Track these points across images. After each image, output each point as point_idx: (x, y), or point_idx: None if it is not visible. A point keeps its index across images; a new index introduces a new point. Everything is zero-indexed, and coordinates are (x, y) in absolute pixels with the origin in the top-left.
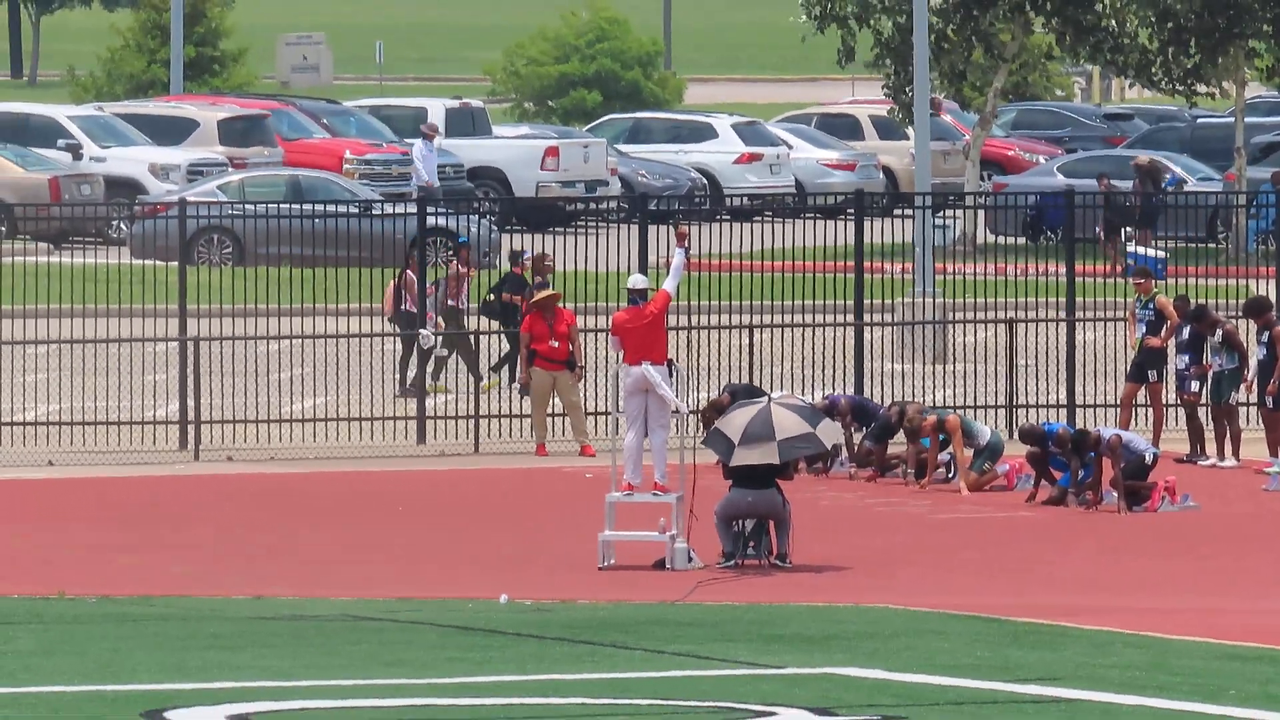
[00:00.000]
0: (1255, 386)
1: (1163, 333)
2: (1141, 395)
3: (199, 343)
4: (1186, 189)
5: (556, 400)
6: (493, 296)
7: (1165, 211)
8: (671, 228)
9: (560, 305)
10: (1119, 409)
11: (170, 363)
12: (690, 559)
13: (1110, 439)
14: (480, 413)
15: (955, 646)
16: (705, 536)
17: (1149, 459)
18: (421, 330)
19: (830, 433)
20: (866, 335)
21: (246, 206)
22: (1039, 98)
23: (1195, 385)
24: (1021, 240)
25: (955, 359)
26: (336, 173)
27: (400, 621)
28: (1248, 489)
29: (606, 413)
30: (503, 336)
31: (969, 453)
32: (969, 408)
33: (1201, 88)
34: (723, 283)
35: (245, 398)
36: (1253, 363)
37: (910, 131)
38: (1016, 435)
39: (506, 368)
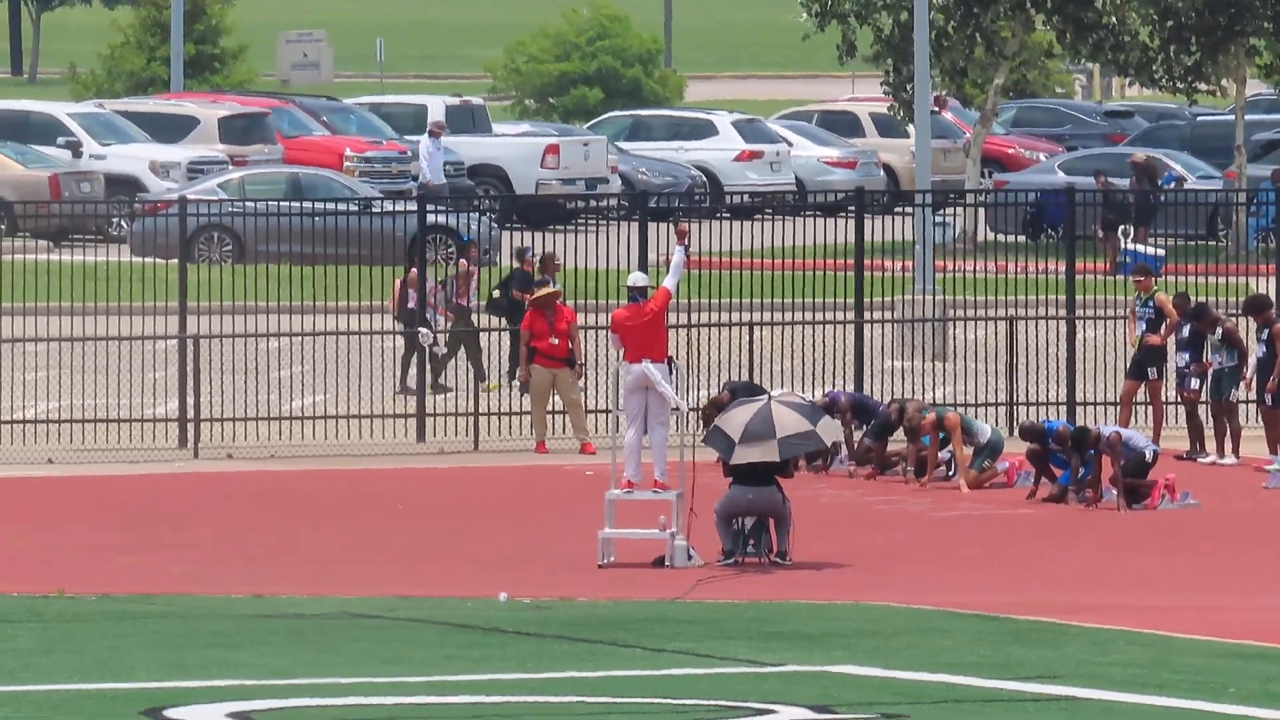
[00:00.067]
0: (1255, 384)
1: (1162, 330)
2: (1141, 393)
3: (199, 340)
4: (1187, 187)
5: (556, 398)
6: (498, 293)
7: (1163, 209)
8: (671, 225)
9: (560, 303)
10: (1119, 406)
11: (170, 360)
12: (690, 557)
13: (1110, 436)
14: (480, 410)
15: (956, 644)
16: (705, 534)
17: (1149, 456)
18: (420, 329)
19: (830, 430)
20: (866, 333)
21: (247, 204)
22: (1038, 95)
23: (1195, 383)
24: (1022, 238)
25: (955, 356)
26: (337, 170)
27: (399, 619)
28: (1247, 486)
29: (606, 410)
30: (508, 335)
31: (969, 450)
32: (969, 405)
33: (1202, 86)
34: (723, 280)
35: (245, 395)
36: (1252, 360)
37: (911, 129)
38: (1016, 433)
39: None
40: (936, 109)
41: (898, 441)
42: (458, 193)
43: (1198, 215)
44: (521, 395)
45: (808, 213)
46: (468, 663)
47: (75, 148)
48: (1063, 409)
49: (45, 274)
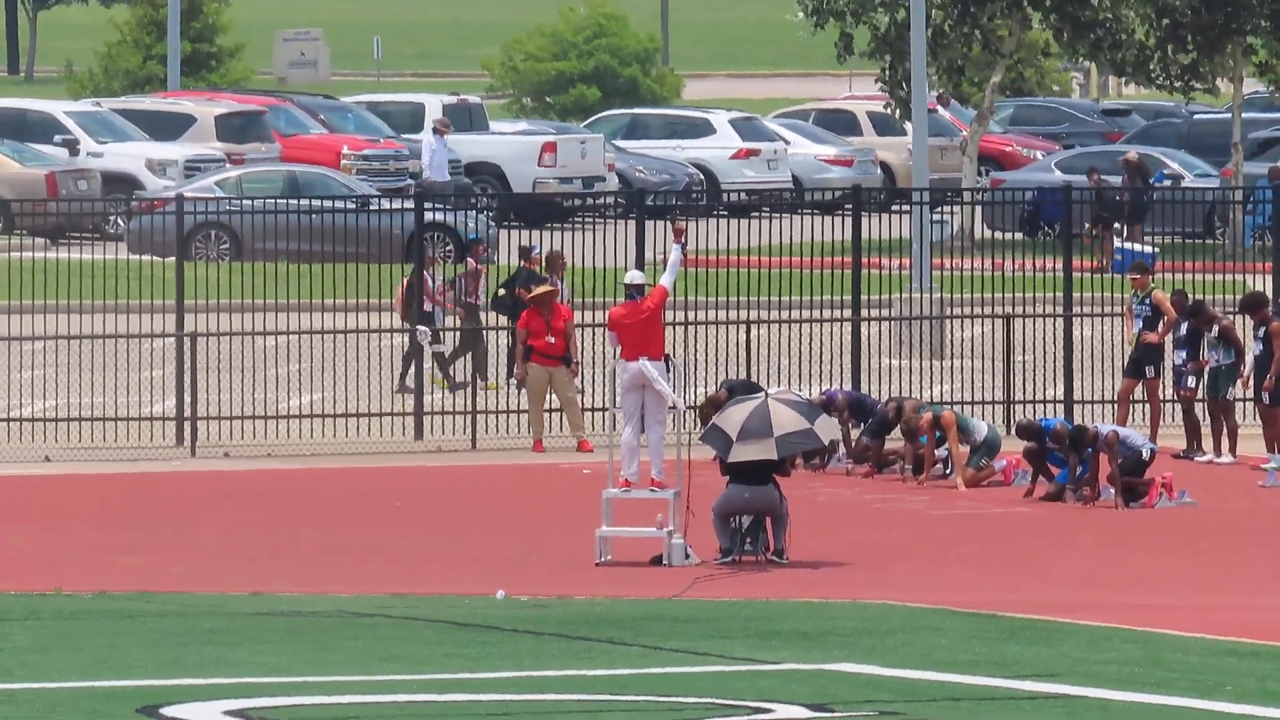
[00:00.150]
0: (1252, 382)
1: (1160, 328)
2: (1139, 391)
3: (196, 338)
4: (1184, 185)
5: (553, 396)
6: (503, 292)
7: (1159, 208)
8: (669, 223)
9: (558, 301)
10: (1116, 404)
11: (167, 358)
12: (687, 555)
13: (1107, 435)
14: (477, 408)
15: (952, 642)
16: (702, 532)
17: (1146, 455)
18: (419, 327)
19: (828, 428)
20: (864, 331)
21: (244, 202)
22: (1034, 94)
23: (1192, 381)
24: (1019, 236)
25: (952, 354)
26: (334, 168)
27: (396, 618)
28: (1244, 485)
29: (604, 408)
30: (512, 334)
31: (966, 449)
32: (966, 403)
33: (1198, 85)
34: (720, 278)
35: (242, 394)
36: (1249, 358)
37: (908, 127)
38: (1014, 431)
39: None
40: (940, 106)
41: (895, 440)
42: (454, 191)
43: (1195, 213)
44: (518, 392)
45: (805, 211)
46: (465, 661)
47: (72, 146)
48: (1060, 407)
49: (42, 272)
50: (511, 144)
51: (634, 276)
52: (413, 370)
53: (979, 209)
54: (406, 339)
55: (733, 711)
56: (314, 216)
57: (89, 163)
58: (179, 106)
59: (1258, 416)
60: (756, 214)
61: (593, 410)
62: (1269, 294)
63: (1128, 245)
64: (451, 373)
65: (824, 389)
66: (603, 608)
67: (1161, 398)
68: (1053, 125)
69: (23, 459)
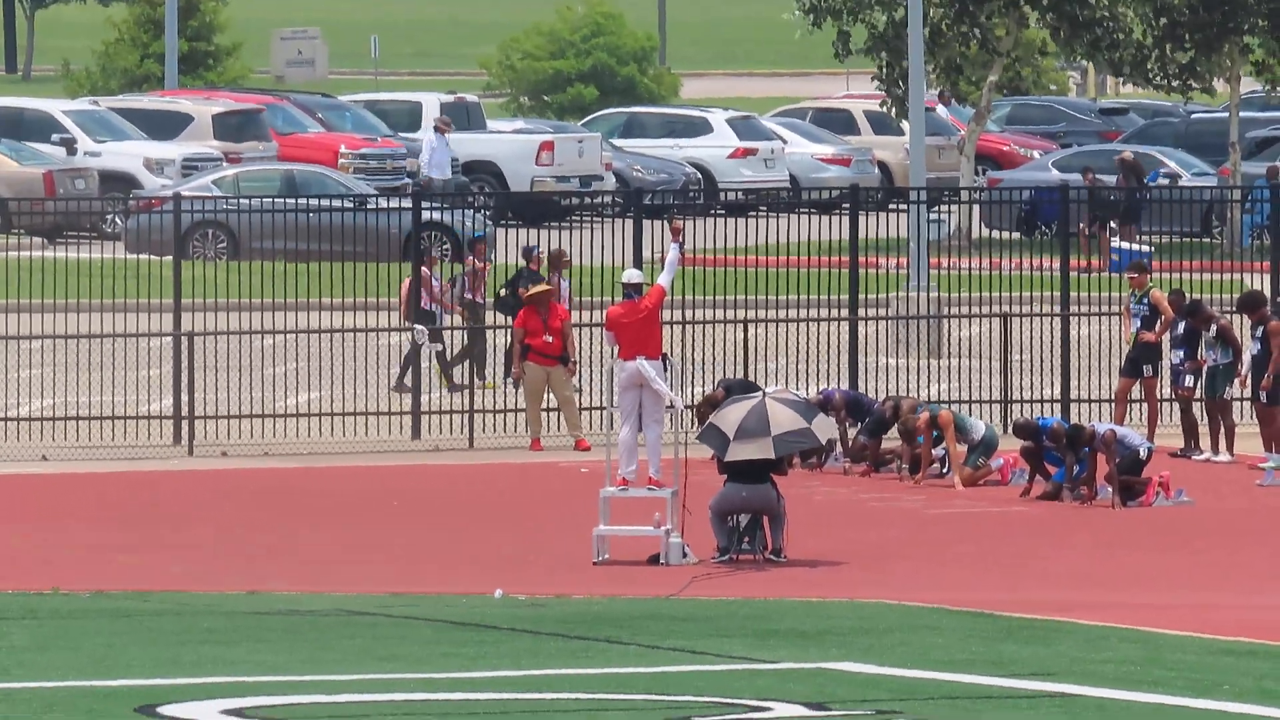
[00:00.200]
0: (1249, 381)
1: (1157, 327)
2: (1136, 390)
3: (193, 337)
4: (1181, 184)
5: (550, 395)
6: (505, 291)
7: (1154, 207)
8: (666, 223)
9: (555, 300)
10: (1113, 404)
11: (164, 357)
12: (685, 554)
13: (1105, 434)
14: (475, 408)
15: (949, 642)
16: (700, 532)
17: (1143, 454)
18: (416, 326)
19: (825, 428)
20: (861, 330)
21: (241, 201)
22: (1031, 93)
23: (1190, 380)
24: (1016, 235)
25: (950, 354)
26: (331, 167)
27: (394, 617)
28: (1242, 484)
29: (601, 408)
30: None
31: (963, 448)
32: (964, 402)
33: (1195, 84)
34: (717, 277)
35: (240, 393)
36: (1247, 357)
37: (905, 126)
38: (1011, 430)
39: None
40: (943, 105)
41: (892, 439)
42: (451, 190)
43: (1193, 212)
44: (515, 391)
45: (802, 210)
46: (463, 660)
47: (70, 145)
48: (1057, 406)
49: (40, 271)
50: (509, 143)
51: (631, 275)
52: (410, 369)
53: (976, 208)
54: (408, 339)
55: (731, 710)
56: (311, 215)
57: (86, 162)
58: (176, 105)
59: (1255, 415)
60: (754, 213)
61: (590, 409)
62: (1267, 293)
63: (1124, 245)
64: (453, 373)
65: (821, 388)
66: (600, 607)
67: (1159, 397)
68: (1050, 124)
69: (20, 458)
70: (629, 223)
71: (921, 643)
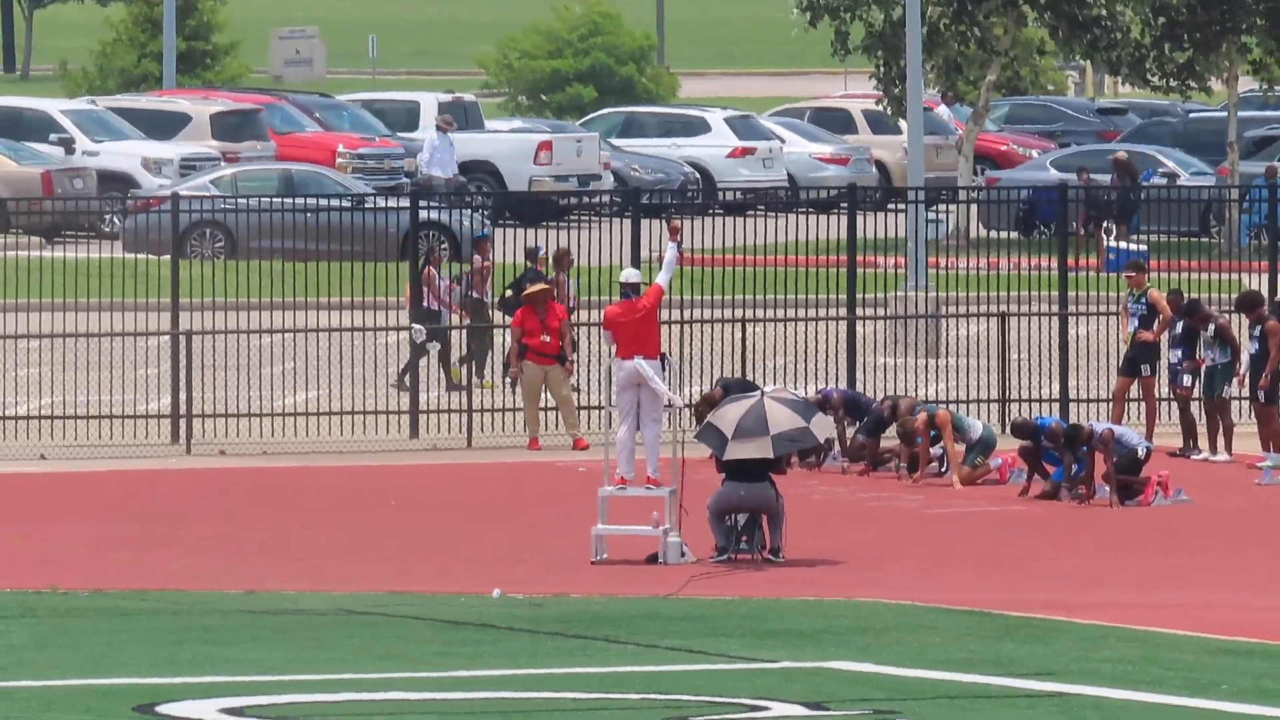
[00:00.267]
0: (1247, 380)
1: (1155, 327)
2: (1134, 389)
3: (191, 336)
4: (1179, 183)
5: (548, 394)
6: (510, 292)
7: (1149, 206)
8: (664, 222)
9: (554, 299)
10: (1111, 403)
11: (162, 356)
12: (683, 553)
13: (1102, 433)
14: (473, 407)
15: (947, 641)
16: (698, 531)
17: (1141, 453)
18: (414, 325)
19: (823, 427)
20: (859, 329)
21: (239, 201)
22: (1029, 92)
23: (1188, 380)
24: (1014, 235)
25: (948, 353)
26: (329, 167)
27: (392, 616)
28: (1240, 483)
29: (599, 407)
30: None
31: (961, 447)
32: (962, 402)
33: (1194, 84)
34: (715, 277)
35: (238, 391)
36: (1245, 357)
37: (903, 125)
38: (1009, 429)
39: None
40: (945, 105)
41: (890, 438)
42: (452, 189)
43: (1190, 212)
44: (513, 390)
45: (800, 209)
46: (460, 659)
47: (68, 144)
48: (1055, 406)
49: (38, 271)
50: (507, 142)
51: (629, 275)
52: (398, 378)
53: (974, 207)
54: (406, 338)
55: (728, 709)
56: (309, 215)
57: (84, 161)
58: (174, 105)
59: (1253, 415)
60: (752, 212)
61: (588, 409)
62: (1264, 293)
63: (1120, 244)
64: (453, 371)
65: (819, 387)
66: (598, 606)
67: (1157, 396)
68: (1048, 124)
69: (18, 457)
70: (627, 222)
71: (919, 642)
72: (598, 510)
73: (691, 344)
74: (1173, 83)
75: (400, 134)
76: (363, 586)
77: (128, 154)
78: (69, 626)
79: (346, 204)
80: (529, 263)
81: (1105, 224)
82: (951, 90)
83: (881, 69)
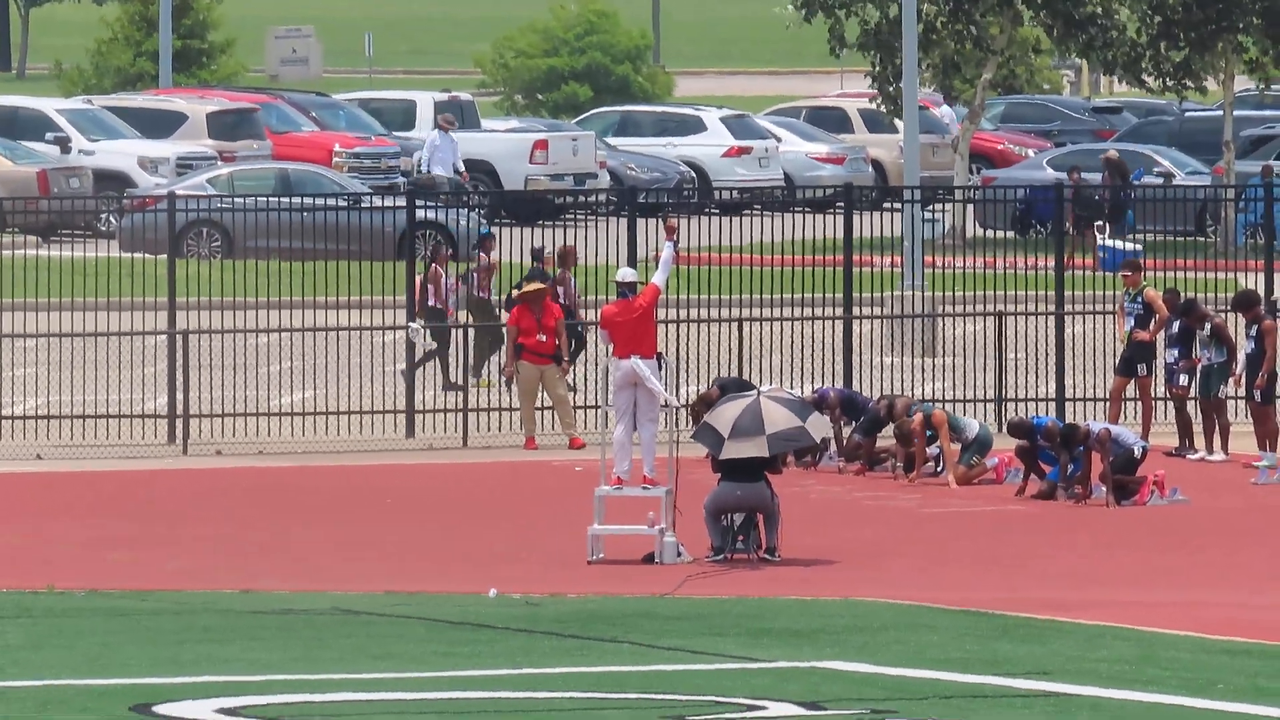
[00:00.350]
0: (1244, 380)
1: (1151, 326)
2: (1130, 389)
3: (188, 336)
4: (1175, 182)
5: (544, 394)
6: (516, 292)
7: (1140, 205)
8: (660, 221)
9: (549, 299)
10: (1108, 402)
11: (159, 356)
12: (679, 553)
13: (1099, 433)
14: (469, 406)
15: (944, 640)
16: (694, 530)
17: (1138, 453)
18: (411, 324)
19: (819, 426)
20: (856, 328)
21: (235, 200)
22: (1025, 91)
23: (1184, 379)
24: (1010, 234)
25: (944, 352)
26: (325, 166)
27: (389, 615)
28: (1236, 483)
29: (596, 406)
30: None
31: (957, 446)
32: (958, 401)
33: (1190, 83)
34: (712, 276)
35: (234, 391)
36: (1241, 356)
37: (899, 124)
38: (1005, 429)
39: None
40: (946, 106)
41: (886, 438)
42: (448, 188)
43: (1186, 211)
44: (509, 389)
45: (796, 208)
46: (457, 659)
47: (64, 143)
48: (1051, 405)
49: (34, 270)
50: (503, 141)
51: (626, 274)
52: (407, 368)
53: (970, 207)
54: (403, 338)
55: (725, 709)
56: (306, 214)
57: (81, 160)
58: (170, 104)
59: (1249, 414)
60: (748, 211)
61: (584, 408)
62: (1260, 292)
63: (1114, 243)
64: (480, 370)
65: (816, 387)
66: (595, 605)
67: (1154, 396)
68: (1044, 123)
69: (14, 456)
70: (623, 221)
71: (916, 641)
72: (594, 510)
73: (688, 343)
74: (1169, 82)
75: (397, 133)
76: (360, 586)
77: (124, 153)
78: (65, 626)
79: (343, 203)
80: (535, 262)
81: (1097, 223)
82: (943, 89)
83: (877, 67)
